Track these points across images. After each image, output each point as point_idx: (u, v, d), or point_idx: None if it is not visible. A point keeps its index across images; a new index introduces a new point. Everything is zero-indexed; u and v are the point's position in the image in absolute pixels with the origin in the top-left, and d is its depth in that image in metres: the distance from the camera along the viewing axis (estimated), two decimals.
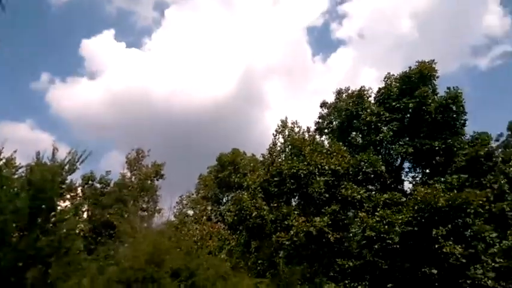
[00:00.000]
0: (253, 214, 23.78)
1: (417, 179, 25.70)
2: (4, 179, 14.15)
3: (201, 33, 75.95)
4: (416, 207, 20.51)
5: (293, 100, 71.85)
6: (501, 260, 19.85)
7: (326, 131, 28.51)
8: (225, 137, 55.49)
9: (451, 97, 24.32)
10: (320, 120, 28.67)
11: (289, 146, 26.97)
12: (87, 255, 19.85)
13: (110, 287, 15.73)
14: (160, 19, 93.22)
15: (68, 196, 18.76)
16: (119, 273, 16.15)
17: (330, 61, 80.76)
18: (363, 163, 23.97)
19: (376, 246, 20.81)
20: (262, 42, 74.74)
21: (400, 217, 20.80)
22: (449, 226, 19.57)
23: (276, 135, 29.35)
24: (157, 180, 27.02)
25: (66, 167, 16.48)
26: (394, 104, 25.63)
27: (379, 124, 25.68)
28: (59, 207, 15.79)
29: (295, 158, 24.45)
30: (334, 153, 24.15)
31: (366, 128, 25.98)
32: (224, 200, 30.98)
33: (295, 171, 23.53)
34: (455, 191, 20.39)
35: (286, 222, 23.18)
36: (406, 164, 26.26)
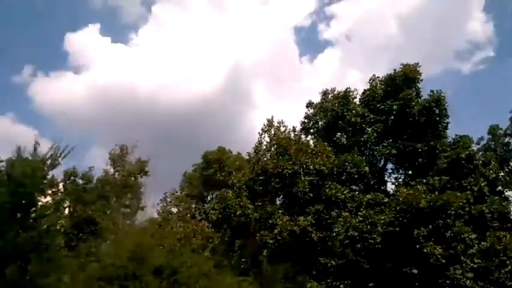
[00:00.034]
0: (238, 212, 23.80)
1: (400, 180, 26.10)
2: None
3: (188, 30, 75.57)
4: (398, 208, 20.82)
5: (279, 99, 72.07)
6: (479, 261, 20.27)
7: (312, 131, 28.70)
8: (212, 134, 55.33)
9: (434, 100, 24.76)
10: (306, 120, 28.84)
11: (275, 145, 27.05)
12: (68, 251, 19.58)
13: (91, 284, 15.56)
14: (147, 15, 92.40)
15: (49, 192, 18.44)
16: (100, 270, 15.99)
17: (317, 62, 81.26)
18: (347, 163, 24.23)
19: (358, 246, 21.04)
20: (250, 41, 74.75)
21: (382, 217, 21.07)
22: (430, 227, 19.92)
23: (261, 134, 29.41)
24: (141, 177, 26.78)
25: (48, 162, 16.20)
26: (378, 105, 25.97)
27: (363, 125, 25.98)
28: (39, 203, 15.52)
29: (280, 157, 24.54)
30: (319, 153, 24.32)
31: (350, 128, 26.25)
32: (209, 198, 30.90)
33: (280, 170, 23.62)
34: (437, 193, 20.76)
35: (270, 221, 23.26)
36: (389, 165, 26.69)
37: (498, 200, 23.04)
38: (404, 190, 21.37)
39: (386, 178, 26.79)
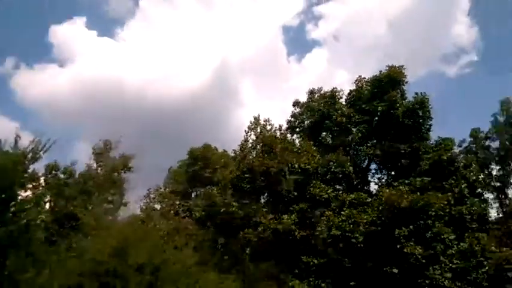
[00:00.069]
0: (222, 210, 23.78)
1: (383, 180, 26.39)
2: None
3: (176, 26, 74.97)
4: (380, 208, 21.09)
5: (266, 97, 72.11)
6: (458, 262, 20.64)
7: (298, 130, 28.80)
8: (199, 130, 55.07)
9: (418, 102, 25.11)
10: (292, 119, 28.93)
11: (261, 144, 27.08)
12: (48, 247, 19.27)
13: (71, 280, 15.36)
14: (135, 9, 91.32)
15: (30, 186, 18.11)
16: (80, 266, 15.80)
17: (305, 61, 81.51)
18: (331, 163, 24.42)
19: (341, 245, 21.23)
20: (238, 38, 74.56)
21: (365, 217, 21.31)
22: (411, 227, 20.22)
23: (248, 132, 29.39)
24: (124, 172, 26.45)
25: (29, 156, 15.92)
26: (364, 106, 26.22)
27: (349, 125, 26.22)
28: (19, 197, 15.26)
29: (266, 155, 24.58)
30: (305, 152, 24.45)
31: (336, 128, 26.46)
32: (193, 195, 30.74)
33: (265, 168, 23.67)
34: (418, 194, 21.06)
35: (254, 219, 23.31)
36: (373, 166, 26.98)
37: (477, 202, 23.50)
38: (387, 190, 21.65)
39: (369, 178, 27.10)
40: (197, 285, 16.46)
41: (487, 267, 20.50)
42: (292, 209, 23.16)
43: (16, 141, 15.46)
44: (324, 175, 24.41)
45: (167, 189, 30.47)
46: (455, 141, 26.57)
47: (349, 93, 27.76)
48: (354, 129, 26.25)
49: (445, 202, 21.07)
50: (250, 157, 26.40)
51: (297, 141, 27.85)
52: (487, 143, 32.00)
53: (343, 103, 27.67)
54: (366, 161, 26.90)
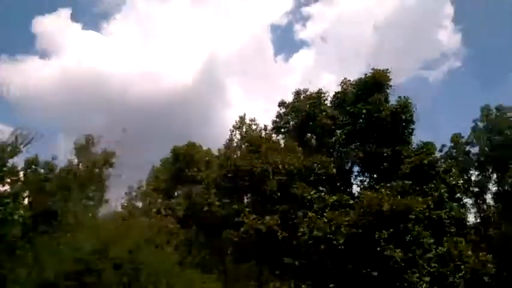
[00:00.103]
0: (205, 209, 23.70)
1: (365, 183, 26.60)
2: None
3: (163, 21, 74.13)
4: (362, 211, 21.25)
5: (252, 96, 72.01)
6: (436, 265, 20.94)
7: (283, 130, 28.82)
8: (183, 127, 54.63)
9: (401, 106, 25.40)
10: (278, 120, 28.93)
11: (246, 143, 27.07)
12: (25, 243, 18.89)
13: (47, 277, 15.11)
14: (122, 3, 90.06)
15: (8, 180, 17.74)
16: (58, 263, 15.54)
17: (292, 61, 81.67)
18: (315, 164, 24.54)
19: (322, 247, 21.33)
20: (225, 35, 74.22)
21: (346, 219, 21.46)
22: (391, 230, 20.45)
23: (233, 131, 29.34)
24: (106, 168, 26.04)
25: (8, 149, 15.58)
26: (348, 108, 26.40)
27: (333, 127, 26.38)
28: None
29: (251, 155, 24.57)
30: (289, 153, 24.52)
31: (321, 130, 26.61)
32: (176, 194, 30.50)
33: (250, 168, 23.66)
34: (399, 197, 21.32)
35: (237, 219, 23.28)
36: (356, 168, 27.14)
37: (456, 206, 23.88)
38: (369, 193, 21.85)
39: (352, 180, 27.30)
40: (178, 284, 16.36)
41: (464, 272, 20.86)
42: (275, 210, 23.20)
43: None
44: (308, 176, 24.52)
45: (150, 186, 30.15)
46: (437, 145, 27.06)
47: (334, 95, 27.94)
48: (338, 131, 26.43)
49: (425, 206, 21.39)
50: (235, 156, 26.37)
51: (281, 141, 27.91)
52: (467, 148, 32.63)
53: (329, 105, 27.83)
54: (349, 163, 27.11)
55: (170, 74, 69.32)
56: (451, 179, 24.70)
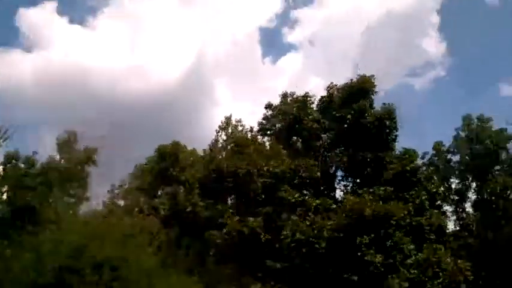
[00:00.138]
0: (188, 209, 23.58)
1: (348, 187, 26.88)
2: None
3: (150, 19, 73.38)
4: (344, 215, 21.45)
5: (239, 97, 71.87)
6: (415, 272, 21.18)
7: (269, 132, 28.90)
8: (169, 127, 54.09)
9: (386, 112, 25.74)
10: (264, 122, 29.00)
11: (232, 144, 27.06)
12: (2, 239, 18.52)
13: (25, 276, 14.80)
14: None
15: None
16: (36, 261, 15.24)
17: (280, 63, 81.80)
18: (300, 168, 24.66)
19: (304, 250, 21.43)
20: (213, 36, 73.95)
21: (329, 223, 21.63)
22: (373, 235, 20.68)
23: (219, 132, 29.29)
24: (88, 166, 25.71)
25: None
26: (334, 113, 26.64)
27: (319, 131, 26.57)
28: None
29: (236, 156, 24.56)
30: (274, 156, 24.59)
31: (306, 133, 26.78)
32: (159, 193, 30.26)
33: (234, 169, 23.64)
34: (381, 202, 21.58)
35: (220, 220, 23.22)
36: (340, 172, 27.41)
37: (436, 213, 24.27)
38: (352, 198, 22.07)
39: (336, 185, 27.54)
40: (158, 285, 16.20)
41: (442, 278, 21.18)
42: (259, 212, 23.22)
43: None
44: (292, 179, 24.62)
45: (133, 185, 29.85)
46: (419, 153, 27.51)
47: (320, 99, 28.15)
48: (323, 135, 26.65)
49: (406, 212, 21.68)
50: (220, 157, 26.33)
51: (267, 144, 27.98)
52: (449, 156, 33.26)
53: (315, 109, 28.03)
54: (334, 168, 27.35)
55: (157, 72, 68.67)
56: (432, 186, 25.10)
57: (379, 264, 20.07)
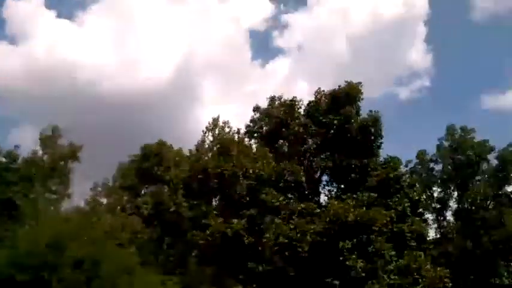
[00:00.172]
0: (172, 209, 23.41)
1: (332, 192, 27.04)
2: None
3: (139, 17, 72.86)
4: (327, 220, 21.58)
5: (227, 99, 71.76)
6: (396, 278, 21.39)
7: (255, 135, 28.89)
8: (154, 126, 53.67)
9: (371, 120, 26.06)
10: (251, 124, 29.00)
11: (218, 145, 26.99)
12: None
13: (3, 272, 14.50)
14: None
15: None
16: (14, 257, 14.94)
17: (268, 67, 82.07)
18: (285, 171, 24.74)
19: (287, 253, 21.47)
20: (203, 37, 73.73)
21: (312, 227, 21.71)
22: (355, 240, 20.85)
23: (205, 133, 29.19)
24: (71, 162, 25.33)
25: None
26: (321, 118, 26.82)
27: (305, 136, 26.71)
28: None
29: (222, 157, 24.51)
30: (260, 158, 24.62)
31: (293, 137, 26.87)
32: (143, 192, 29.97)
33: (220, 170, 23.58)
34: (364, 208, 21.78)
35: (204, 221, 23.11)
36: (325, 177, 27.56)
37: (418, 221, 24.58)
38: (335, 203, 22.22)
39: (320, 189, 27.68)
40: (137, 284, 16.03)
41: (421, 285, 21.43)
42: (243, 214, 23.18)
43: None
44: (277, 182, 24.67)
45: (116, 183, 29.51)
46: (403, 161, 27.89)
47: (307, 104, 28.29)
48: (309, 140, 26.79)
49: (388, 219, 21.88)
50: (206, 158, 26.24)
51: (253, 146, 28.00)
52: (432, 165, 33.83)
53: (302, 113, 28.16)
54: (319, 172, 27.50)
55: (145, 70, 68.11)
56: (415, 194, 25.45)
57: (360, 270, 20.22)
